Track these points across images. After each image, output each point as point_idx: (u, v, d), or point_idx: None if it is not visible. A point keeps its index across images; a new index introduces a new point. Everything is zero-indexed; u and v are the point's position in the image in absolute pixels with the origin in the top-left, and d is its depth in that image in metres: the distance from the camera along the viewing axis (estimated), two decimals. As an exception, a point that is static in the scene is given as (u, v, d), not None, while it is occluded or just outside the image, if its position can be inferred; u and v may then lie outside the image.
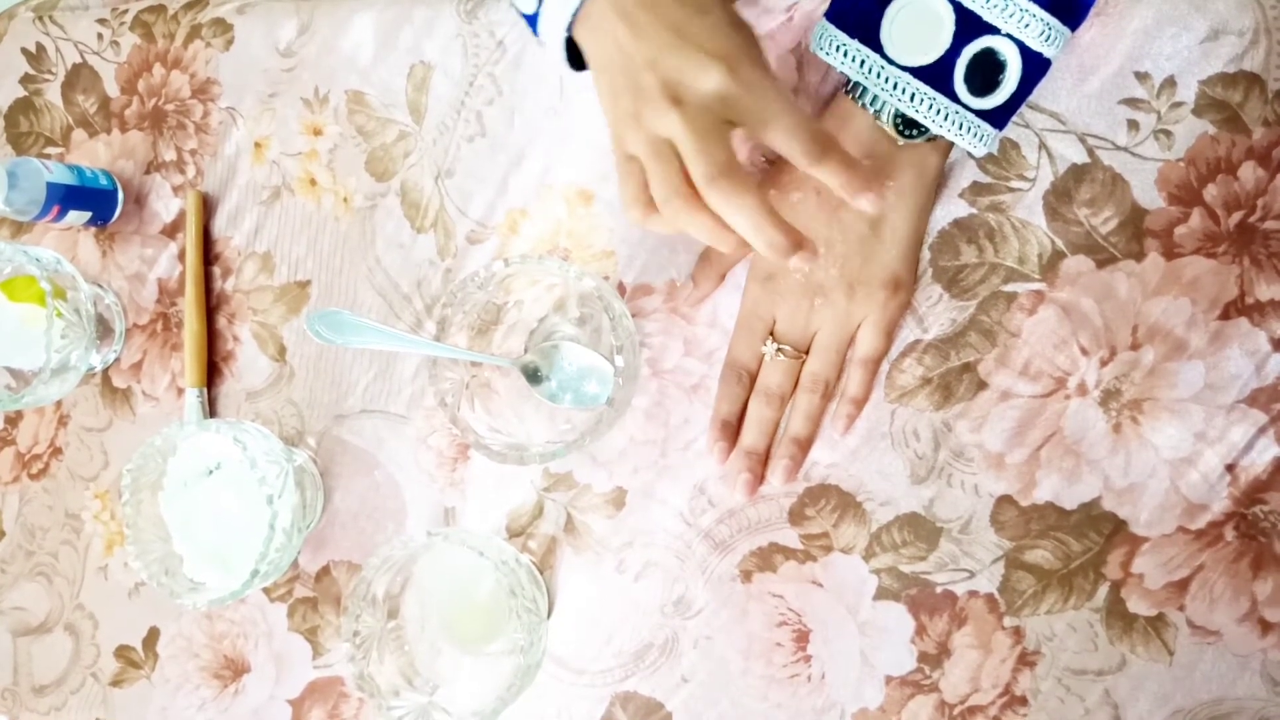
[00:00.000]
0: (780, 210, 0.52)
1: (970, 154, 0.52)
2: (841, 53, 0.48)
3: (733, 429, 0.56)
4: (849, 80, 0.50)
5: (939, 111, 0.47)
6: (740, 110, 0.42)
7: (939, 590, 0.53)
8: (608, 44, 0.43)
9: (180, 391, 0.69)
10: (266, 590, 0.67)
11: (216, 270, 0.69)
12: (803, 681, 0.55)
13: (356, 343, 0.58)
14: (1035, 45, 0.46)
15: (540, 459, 0.55)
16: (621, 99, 0.43)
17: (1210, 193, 0.49)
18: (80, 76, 0.74)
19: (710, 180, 0.41)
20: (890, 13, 0.47)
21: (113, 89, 0.73)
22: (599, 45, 0.44)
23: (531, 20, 0.48)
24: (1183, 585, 0.49)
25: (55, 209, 0.68)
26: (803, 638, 0.55)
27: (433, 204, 0.63)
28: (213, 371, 0.69)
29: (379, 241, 0.65)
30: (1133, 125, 0.51)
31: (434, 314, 0.63)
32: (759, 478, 0.55)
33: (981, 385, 0.53)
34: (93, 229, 0.73)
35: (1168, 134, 0.50)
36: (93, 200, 0.69)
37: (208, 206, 0.69)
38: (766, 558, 0.56)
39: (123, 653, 0.71)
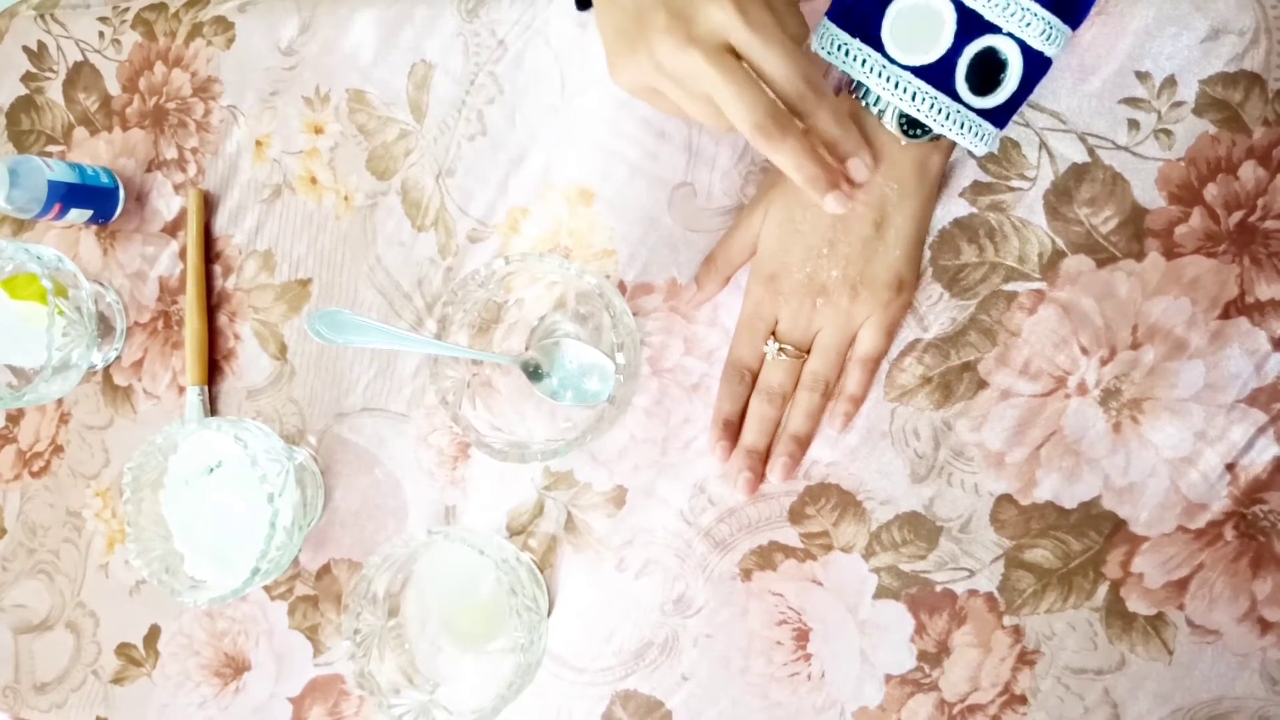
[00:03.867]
0: (784, 210, 0.53)
1: (971, 153, 0.52)
2: (843, 52, 0.48)
3: (734, 428, 0.56)
4: (851, 80, 0.50)
5: (940, 111, 0.47)
6: (741, 48, 0.43)
7: (939, 589, 0.53)
8: None
9: (181, 389, 0.69)
10: (267, 588, 0.67)
11: (217, 268, 0.69)
12: (803, 680, 0.55)
13: (357, 342, 0.58)
14: (1036, 44, 0.46)
15: (541, 457, 0.55)
16: (626, 28, 0.44)
17: (1210, 192, 0.49)
18: (81, 74, 0.74)
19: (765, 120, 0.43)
20: (891, 12, 0.47)
21: (114, 87, 0.73)
22: None
23: None
24: (1182, 584, 0.49)
25: (56, 207, 0.68)
26: (803, 636, 0.55)
27: (433, 203, 0.63)
28: (214, 369, 0.69)
29: (380, 240, 0.65)
30: (1133, 124, 0.51)
31: (435, 312, 0.63)
32: (760, 476, 0.55)
33: (981, 384, 0.53)
34: (94, 227, 0.73)
35: (1168, 133, 0.50)
36: (94, 198, 0.69)
37: (209, 205, 0.69)
38: (766, 556, 0.56)
39: (124, 650, 0.71)
